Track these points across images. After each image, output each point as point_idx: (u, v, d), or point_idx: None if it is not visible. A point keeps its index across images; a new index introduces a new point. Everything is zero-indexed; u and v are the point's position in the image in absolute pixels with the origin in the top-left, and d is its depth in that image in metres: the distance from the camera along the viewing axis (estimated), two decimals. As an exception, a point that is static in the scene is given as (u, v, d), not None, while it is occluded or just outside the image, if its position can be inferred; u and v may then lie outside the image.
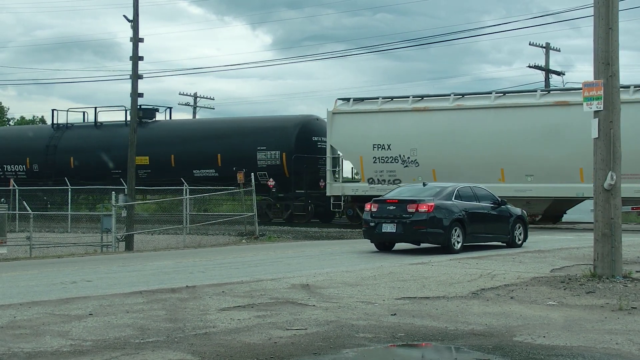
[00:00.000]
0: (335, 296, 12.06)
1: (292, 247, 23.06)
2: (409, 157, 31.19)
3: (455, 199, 19.36)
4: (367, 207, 19.79)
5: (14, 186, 38.69)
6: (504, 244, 20.34)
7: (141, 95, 29.46)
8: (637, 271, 14.42)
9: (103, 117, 42.57)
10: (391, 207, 19.11)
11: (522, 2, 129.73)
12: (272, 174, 34.89)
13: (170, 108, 42.43)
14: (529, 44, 49.14)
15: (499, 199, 20.62)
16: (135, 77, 29.01)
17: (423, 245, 19.69)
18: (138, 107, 38.97)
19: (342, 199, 32.85)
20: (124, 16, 28.76)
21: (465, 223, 19.13)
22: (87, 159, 39.68)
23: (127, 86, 29.61)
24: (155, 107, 41.05)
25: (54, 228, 34.13)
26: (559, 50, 50.92)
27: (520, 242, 20.50)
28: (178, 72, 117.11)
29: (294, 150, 34.71)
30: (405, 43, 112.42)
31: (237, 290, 12.58)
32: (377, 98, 32.49)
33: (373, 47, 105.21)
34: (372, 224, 19.28)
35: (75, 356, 8.28)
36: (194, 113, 67.76)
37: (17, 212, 33.67)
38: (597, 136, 13.53)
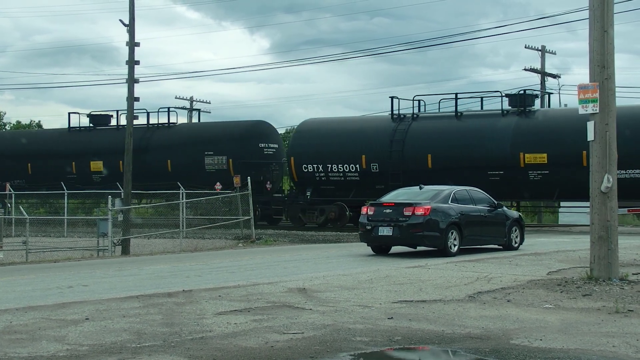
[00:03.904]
0: (331, 300, 12.05)
1: (288, 250, 23.03)
2: None
3: (451, 202, 19.36)
4: (364, 210, 19.81)
5: (10, 191, 38.66)
6: (501, 247, 20.36)
7: (137, 99, 29.39)
8: (633, 273, 14.45)
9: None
10: (387, 210, 19.11)
11: (519, 5, 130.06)
12: None
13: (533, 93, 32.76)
14: (525, 47, 49.11)
15: (496, 202, 20.64)
16: (132, 81, 29.00)
17: (419, 248, 19.68)
18: (522, 91, 31.80)
19: None
20: (120, 20, 28.77)
21: (462, 226, 19.13)
22: (447, 158, 31.21)
23: (124, 90, 29.60)
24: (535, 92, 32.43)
25: (50, 232, 34.09)
26: (554, 53, 50.94)
27: (516, 244, 20.51)
28: (175, 76, 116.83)
29: None
30: (403, 47, 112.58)
31: (233, 294, 12.57)
32: None
33: (370, 51, 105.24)
34: (368, 227, 19.26)
35: (72, 361, 8.27)
36: (190, 117, 67.82)
37: (13, 216, 33.64)
38: (592, 139, 13.57)
